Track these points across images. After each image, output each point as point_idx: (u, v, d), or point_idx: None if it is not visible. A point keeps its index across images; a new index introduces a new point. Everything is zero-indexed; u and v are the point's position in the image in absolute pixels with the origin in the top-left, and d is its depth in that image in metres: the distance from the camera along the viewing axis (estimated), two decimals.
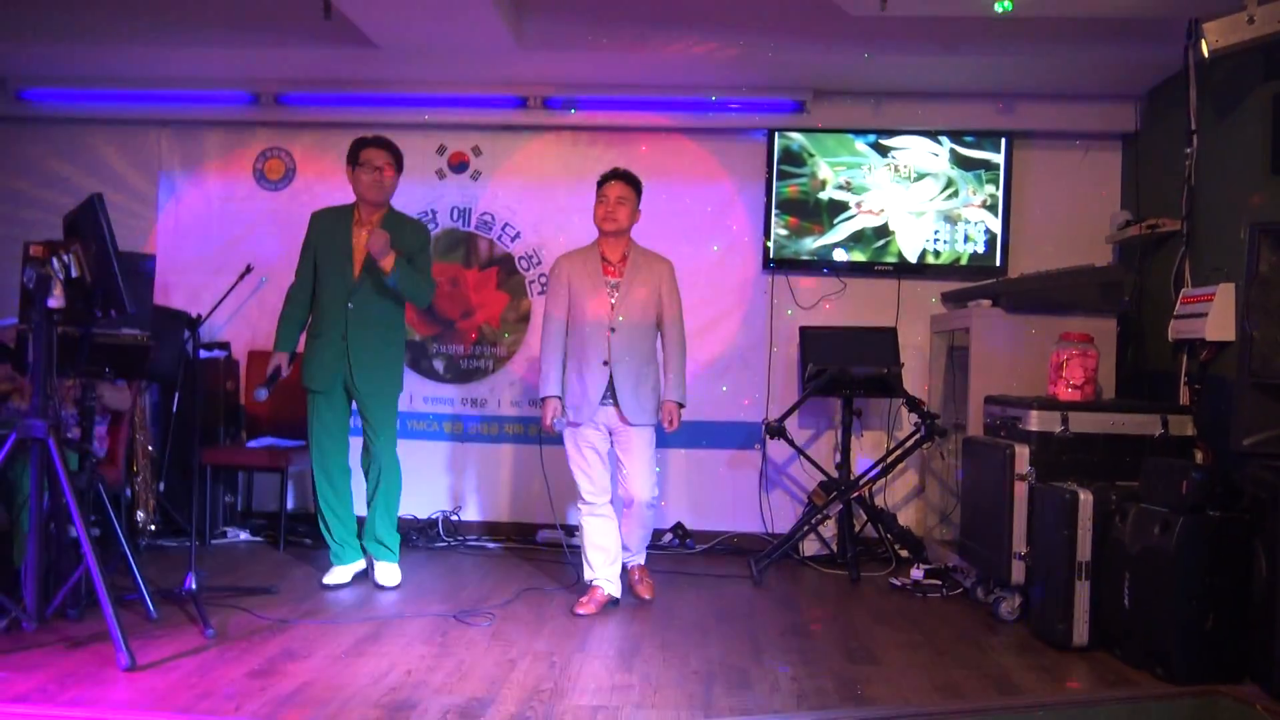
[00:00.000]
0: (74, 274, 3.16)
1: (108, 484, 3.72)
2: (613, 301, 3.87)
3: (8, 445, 3.08)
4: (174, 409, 4.68)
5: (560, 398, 3.90)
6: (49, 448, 3.08)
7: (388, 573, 4.17)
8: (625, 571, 4.03)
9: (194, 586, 3.52)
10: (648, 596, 3.96)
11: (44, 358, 3.12)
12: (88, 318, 3.27)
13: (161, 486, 4.84)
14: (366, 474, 4.20)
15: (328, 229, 4.19)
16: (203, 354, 5.01)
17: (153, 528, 4.76)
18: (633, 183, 3.94)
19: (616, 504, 3.98)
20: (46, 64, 5.11)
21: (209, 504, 4.93)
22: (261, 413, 5.23)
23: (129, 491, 4.61)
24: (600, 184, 3.95)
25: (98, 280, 3.17)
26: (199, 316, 3.99)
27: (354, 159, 4.14)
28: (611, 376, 3.83)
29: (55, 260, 3.13)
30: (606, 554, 3.92)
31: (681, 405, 3.96)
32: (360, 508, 4.25)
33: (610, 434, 3.92)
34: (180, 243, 5.44)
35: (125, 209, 5.37)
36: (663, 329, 3.98)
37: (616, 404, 3.85)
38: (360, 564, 4.26)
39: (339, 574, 4.18)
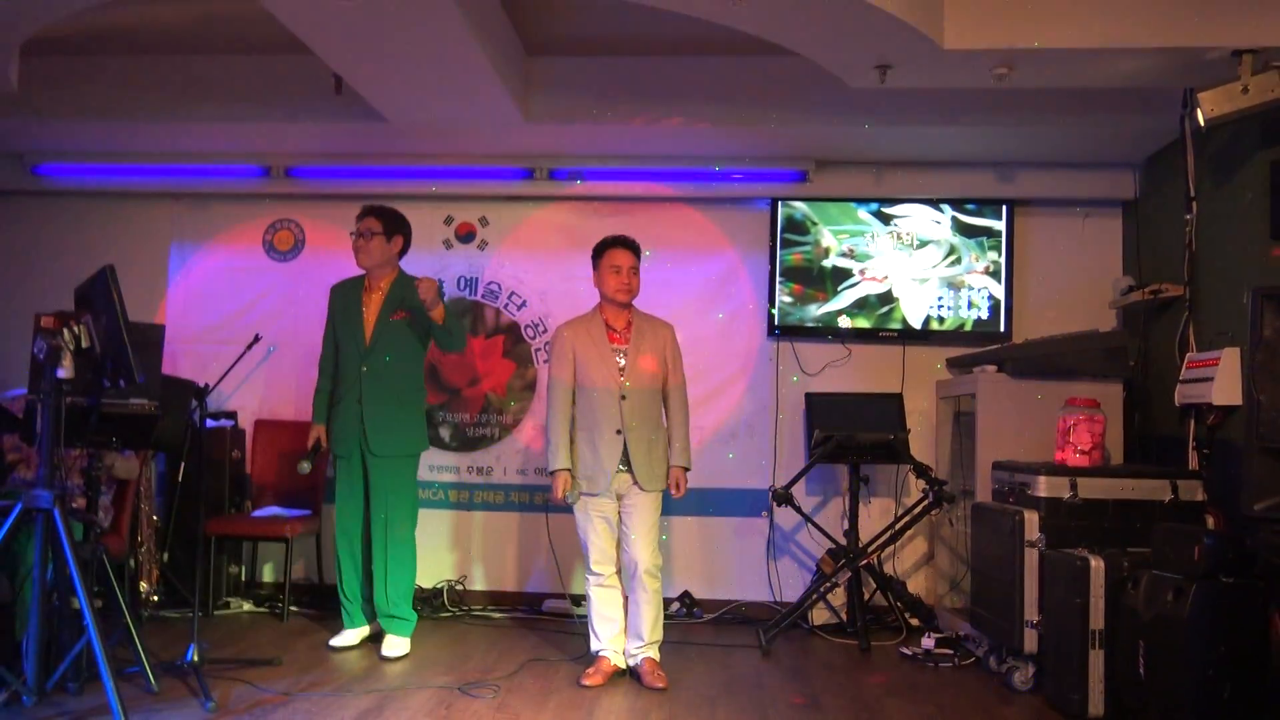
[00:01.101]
0: (84, 345, 3.18)
1: (112, 554, 3.69)
2: (622, 368, 3.88)
3: (12, 517, 3.08)
4: (179, 478, 4.68)
5: (570, 470, 3.88)
6: (54, 519, 3.08)
7: (396, 645, 4.15)
8: (637, 664, 3.87)
9: (195, 658, 3.49)
10: (661, 686, 3.77)
11: (52, 428, 3.13)
12: (96, 388, 3.29)
13: (165, 557, 4.82)
14: (374, 543, 4.20)
15: (342, 300, 4.33)
16: (209, 423, 5.01)
17: (156, 598, 4.73)
18: (638, 250, 3.99)
19: (624, 578, 3.93)
20: (60, 140, 5.22)
21: (213, 574, 4.90)
22: (267, 483, 5.22)
23: (133, 562, 4.59)
24: (603, 251, 3.97)
25: (107, 351, 3.19)
26: (206, 386, 4.02)
27: (354, 230, 4.28)
28: (626, 444, 3.83)
29: (66, 331, 3.16)
30: (613, 624, 3.88)
31: (687, 470, 3.94)
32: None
33: (617, 499, 3.89)
34: (189, 313, 5.50)
35: (136, 280, 5.39)
36: (667, 394, 3.99)
37: (630, 470, 3.84)
38: (369, 629, 4.27)
39: (347, 637, 4.20)
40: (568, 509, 3.95)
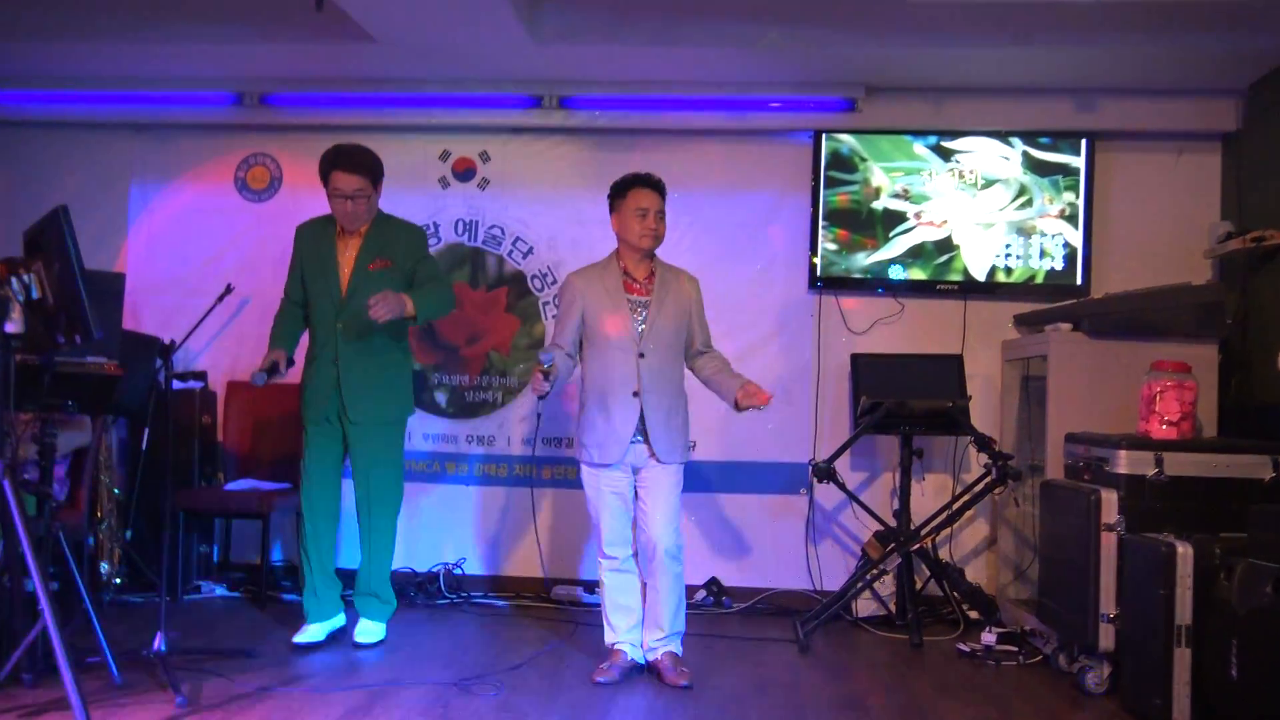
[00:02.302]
0: (35, 296, 3.19)
1: (68, 531, 3.74)
2: (640, 323, 3.87)
3: None
4: (143, 447, 4.72)
5: (563, 367, 3.78)
6: (3, 490, 3.10)
7: (371, 629, 4.19)
8: (657, 659, 3.89)
9: (164, 648, 3.53)
10: (685, 683, 3.79)
11: (0, 389, 3.15)
12: (49, 344, 3.31)
13: (128, 535, 4.87)
14: (358, 518, 4.22)
15: (312, 242, 4.27)
16: (176, 385, 5.04)
17: (118, 581, 4.79)
18: (663, 191, 3.95)
19: (641, 561, 3.95)
20: (5, 63, 5.21)
21: (181, 555, 4.95)
22: (242, 452, 5.26)
23: (91, 540, 4.64)
24: (624, 190, 3.94)
25: (61, 303, 3.20)
26: (172, 343, 4.05)
27: (325, 178, 4.16)
28: (642, 409, 3.83)
29: (15, 280, 3.17)
30: (630, 614, 3.90)
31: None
32: (348, 558, 4.27)
33: (634, 472, 3.90)
34: (153, 260, 5.52)
35: (92, 222, 5.41)
36: (699, 351, 3.98)
37: (647, 440, 3.84)
38: (338, 621, 4.28)
39: (312, 631, 4.19)
40: (574, 482, 3.94)
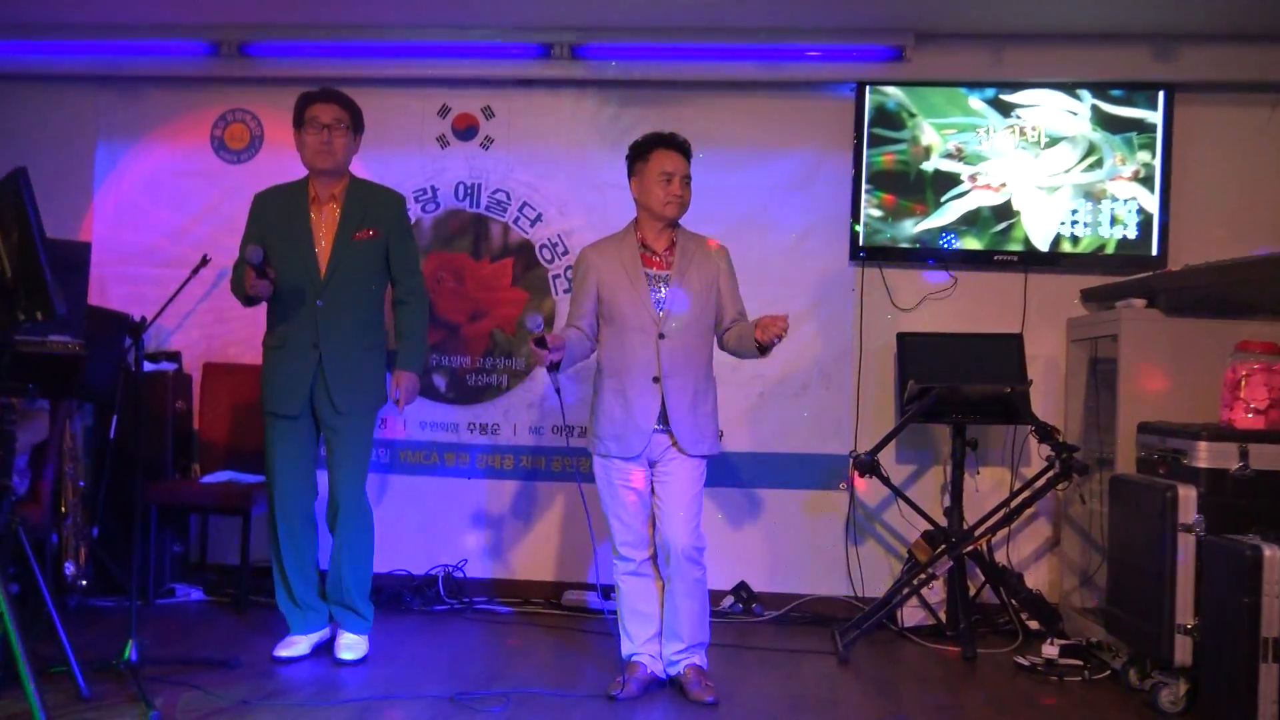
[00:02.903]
0: None
1: (30, 528, 3.76)
2: (660, 300, 3.86)
3: None
4: (111, 435, 4.75)
5: (565, 340, 3.77)
6: None
7: (354, 645, 4.18)
8: (679, 673, 3.90)
9: (135, 658, 3.55)
10: (710, 699, 3.80)
11: None
12: (7, 322, 3.32)
13: (95, 532, 4.91)
14: (330, 521, 4.22)
15: (279, 213, 4.21)
16: (147, 366, 5.08)
17: (84, 583, 4.83)
18: (689, 153, 3.94)
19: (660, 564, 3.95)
20: None
21: (154, 554, 4.99)
22: (219, 441, 5.29)
23: (55, 538, 4.68)
24: (647, 151, 3.92)
25: (20, 275, 3.21)
26: (143, 320, 4.04)
27: (298, 118, 4.17)
28: (664, 395, 3.83)
29: None
30: (648, 622, 3.91)
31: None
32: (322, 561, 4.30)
33: (651, 466, 3.90)
34: (122, 228, 5.55)
35: (55, 186, 5.44)
36: (727, 322, 3.96)
37: (669, 430, 3.84)
38: (324, 633, 4.29)
39: (297, 644, 4.20)
40: (588, 475, 3.95)
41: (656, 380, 3.82)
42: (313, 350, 4.10)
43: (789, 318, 3.68)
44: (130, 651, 3.56)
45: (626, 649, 3.93)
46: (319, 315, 4.10)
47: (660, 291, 3.87)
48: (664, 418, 3.83)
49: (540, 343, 3.69)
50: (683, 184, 3.87)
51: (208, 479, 5.07)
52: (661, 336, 3.83)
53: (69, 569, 4.77)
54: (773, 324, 3.65)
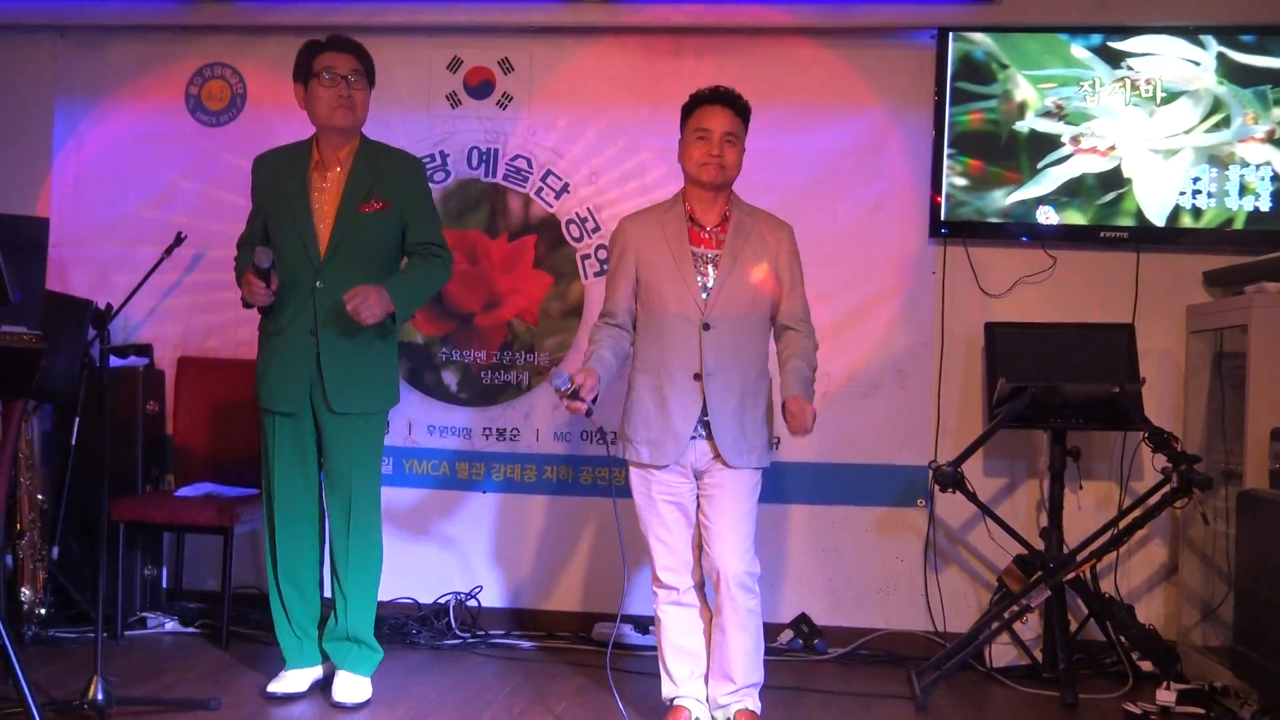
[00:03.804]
0: None
1: None
2: (706, 284, 3.87)
3: None
4: (73, 441, 4.81)
5: (600, 378, 3.78)
6: None
7: (354, 687, 4.19)
8: (729, 718, 3.93)
9: (101, 697, 3.61)
10: None
11: None
12: None
13: (55, 553, 4.97)
14: (330, 543, 4.27)
15: (276, 179, 4.27)
16: (114, 361, 5.13)
17: (43, 611, 4.89)
18: (745, 111, 3.93)
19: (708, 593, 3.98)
20: None
21: (122, 579, 5.03)
22: (197, 447, 5.35)
23: (10, 559, 4.75)
24: (688, 110, 3.95)
25: None
26: (109, 308, 4.10)
27: (304, 71, 4.21)
28: (705, 396, 3.84)
29: None
30: (694, 660, 3.93)
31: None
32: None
33: (697, 479, 3.92)
34: (84, 201, 5.62)
35: (7, 153, 5.55)
36: (780, 326, 3.97)
37: (710, 436, 3.85)
38: (320, 670, 4.34)
39: (293, 680, 4.25)
40: (623, 489, 3.97)
41: (698, 378, 3.83)
42: (310, 338, 4.14)
43: (812, 416, 3.73)
44: (95, 690, 3.62)
45: (668, 691, 3.95)
46: (318, 298, 4.13)
47: (708, 274, 3.88)
48: (705, 422, 3.84)
49: (574, 394, 3.69)
50: (724, 142, 3.85)
51: (184, 492, 5.13)
52: (706, 327, 3.84)
53: (25, 595, 4.84)
54: (800, 416, 3.70)
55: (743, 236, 3.91)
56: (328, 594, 4.35)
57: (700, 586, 3.95)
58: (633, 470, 3.94)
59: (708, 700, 3.94)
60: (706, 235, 3.92)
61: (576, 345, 5.33)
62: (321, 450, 4.25)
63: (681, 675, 3.93)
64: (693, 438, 3.84)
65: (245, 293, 4.07)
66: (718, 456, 3.84)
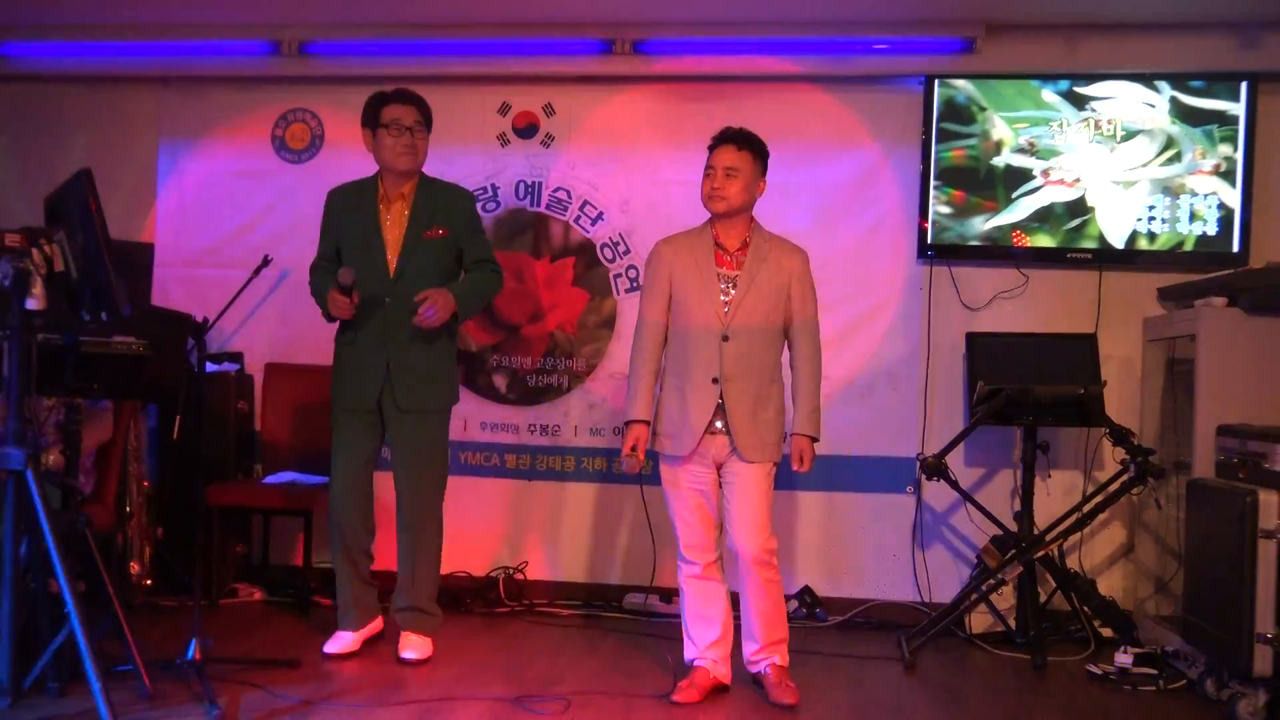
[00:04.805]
0: (57, 269, 3.28)
1: (95, 528, 3.86)
2: (727, 300, 3.89)
3: None
4: (174, 436, 4.86)
5: (649, 424, 3.93)
6: (27, 482, 3.22)
7: (420, 646, 4.26)
8: (760, 672, 3.96)
9: (198, 657, 3.64)
10: (790, 702, 3.84)
11: (21, 372, 3.26)
12: (73, 323, 3.41)
13: (160, 532, 5.02)
14: (399, 523, 4.31)
15: (347, 211, 4.33)
16: (210, 367, 5.18)
17: (149, 583, 4.95)
18: (750, 146, 3.93)
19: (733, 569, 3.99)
20: (24, 11, 5.38)
21: (217, 555, 5.10)
22: (281, 441, 5.39)
23: (121, 538, 4.80)
24: (710, 149, 3.98)
25: (85, 276, 3.30)
26: (205, 321, 4.14)
27: (373, 118, 4.26)
28: (722, 397, 3.85)
29: (35, 252, 3.24)
30: (711, 627, 3.94)
31: (814, 440, 3.94)
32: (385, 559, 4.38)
33: (718, 469, 3.93)
34: (184, 228, 5.67)
35: (118, 188, 5.58)
36: (791, 339, 3.98)
37: (728, 432, 3.86)
38: (376, 627, 4.41)
39: (347, 640, 4.31)
40: (652, 479, 3.99)
41: (716, 381, 3.84)
42: (381, 348, 4.20)
43: (811, 460, 3.93)
44: (193, 651, 3.65)
45: (689, 653, 3.96)
46: (388, 313, 4.20)
47: (728, 292, 3.89)
48: (724, 420, 3.86)
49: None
50: (725, 176, 3.86)
51: (270, 480, 5.16)
52: (725, 338, 3.85)
53: (134, 568, 4.89)
54: (800, 462, 3.91)
55: (760, 259, 3.92)
56: (392, 567, 4.38)
57: (719, 562, 3.96)
58: (662, 461, 3.96)
59: (723, 661, 3.95)
60: (729, 258, 3.93)
61: (609, 353, 5.35)
62: (391, 445, 4.30)
63: (701, 639, 3.94)
64: (712, 433, 3.86)
65: (331, 308, 4.12)
66: (734, 451, 3.86)
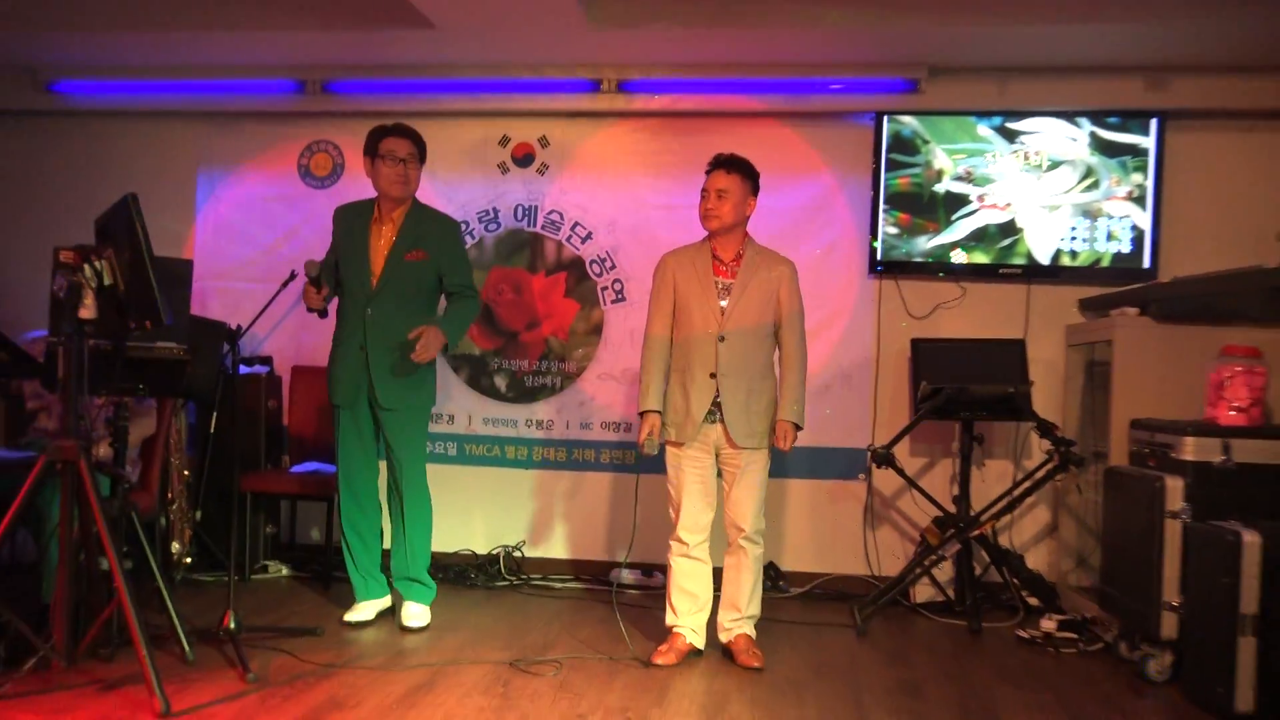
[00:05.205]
0: (106, 282, 3.30)
1: (141, 512, 3.87)
2: (723, 305, 3.92)
3: (37, 468, 3.25)
4: (211, 430, 4.85)
5: (660, 413, 3.95)
6: (80, 471, 3.24)
7: (417, 614, 4.28)
8: (730, 639, 3.98)
9: (234, 626, 3.67)
10: (756, 665, 3.88)
11: (75, 373, 3.28)
12: (121, 330, 3.42)
13: (198, 515, 5.02)
14: (389, 503, 4.33)
15: (347, 226, 4.35)
16: (243, 370, 5.14)
17: (189, 560, 4.94)
18: (740, 169, 3.96)
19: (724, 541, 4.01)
20: (78, 53, 5.38)
21: (249, 535, 5.10)
22: (306, 435, 5.39)
23: (164, 520, 4.80)
24: (706, 174, 4.01)
25: (131, 289, 3.31)
26: (239, 328, 4.14)
27: (373, 149, 4.28)
28: (718, 391, 3.88)
29: (87, 267, 3.28)
30: (694, 600, 3.96)
31: (798, 427, 3.94)
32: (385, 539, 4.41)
33: (716, 456, 3.96)
34: (219, 246, 5.67)
35: (161, 210, 5.56)
36: (780, 335, 4.00)
37: (723, 422, 3.89)
38: (386, 600, 4.41)
39: (363, 610, 4.33)
40: (656, 467, 4.00)
41: (713, 376, 3.88)
42: (360, 352, 4.23)
43: (793, 440, 3.92)
44: (229, 620, 3.67)
45: (670, 620, 3.98)
46: (368, 323, 4.22)
47: (724, 298, 3.92)
48: (719, 411, 3.89)
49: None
50: (717, 198, 3.91)
51: (296, 469, 5.17)
52: (721, 339, 3.88)
53: (175, 548, 4.89)
54: (782, 440, 3.91)
55: (751, 269, 3.95)
56: (388, 545, 4.40)
57: (707, 543, 3.97)
58: (668, 448, 3.99)
59: (700, 630, 3.97)
60: (725, 268, 3.96)
61: (597, 357, 5.36)
62: (381, 436, 4.32)
63: (683, 609, 3.96)
64: (707, 422, 3.89)
65: (304, 298, 4.17)
66: (729, 439, 3.89)
